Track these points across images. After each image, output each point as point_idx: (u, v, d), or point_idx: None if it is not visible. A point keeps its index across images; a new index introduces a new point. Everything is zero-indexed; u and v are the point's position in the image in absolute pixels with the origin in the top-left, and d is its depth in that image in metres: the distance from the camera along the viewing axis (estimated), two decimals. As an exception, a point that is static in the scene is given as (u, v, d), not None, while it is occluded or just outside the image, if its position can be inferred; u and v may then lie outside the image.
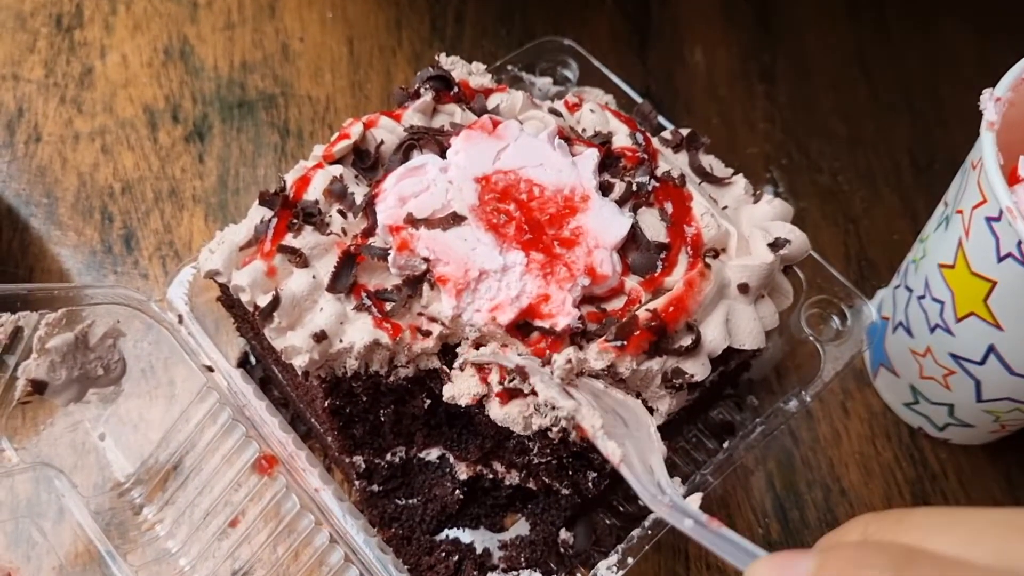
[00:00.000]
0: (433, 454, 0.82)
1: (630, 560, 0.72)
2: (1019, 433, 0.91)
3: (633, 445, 0.60)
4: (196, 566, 0.75)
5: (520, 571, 0.82)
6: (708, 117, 1.13)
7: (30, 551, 0.78)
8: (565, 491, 0.80)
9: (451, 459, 0.81)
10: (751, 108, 1.15)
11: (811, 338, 0.84)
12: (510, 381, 0.66)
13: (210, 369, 0.78)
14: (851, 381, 0.97)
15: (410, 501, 0.84)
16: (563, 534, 0.83)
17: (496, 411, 0.67)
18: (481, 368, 0.67)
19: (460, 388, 0.67)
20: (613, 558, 0.73)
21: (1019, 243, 0.68)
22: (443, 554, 0.82)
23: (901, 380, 0.91)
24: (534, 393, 0.65)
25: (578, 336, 0.67)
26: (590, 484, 0.79)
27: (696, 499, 0.55)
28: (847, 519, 0.47)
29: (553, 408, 0.64)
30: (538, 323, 0.67)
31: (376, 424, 0.76)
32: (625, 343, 0.65)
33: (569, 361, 0.65)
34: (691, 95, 1.15)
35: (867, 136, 1.14)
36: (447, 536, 0.85)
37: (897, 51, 1.21)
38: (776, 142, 1.12)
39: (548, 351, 0.67)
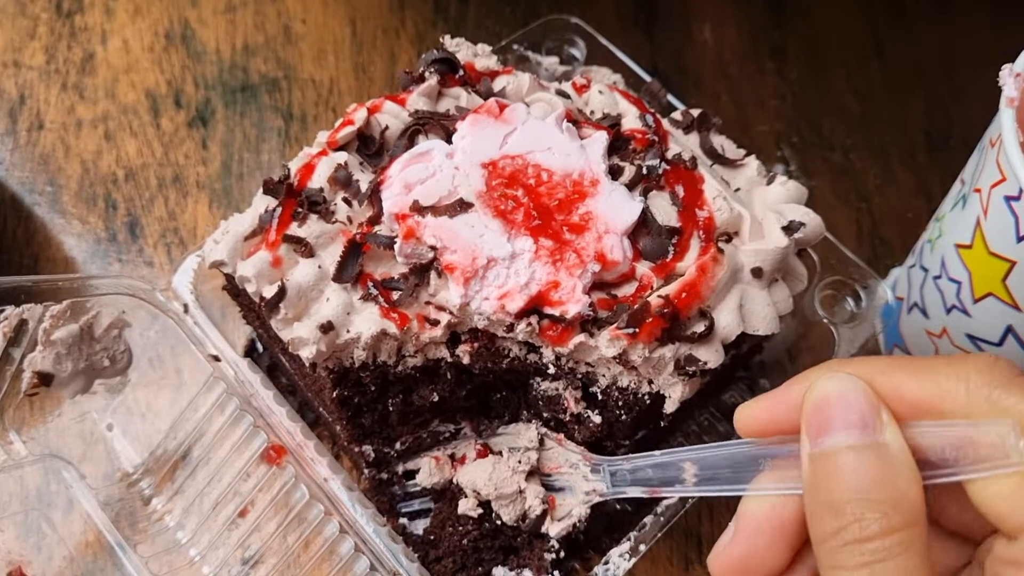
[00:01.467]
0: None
1: (642, 547, 0.72)
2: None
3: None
4: (206, 556, 0.75)
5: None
6: (717, 95, 1.11)
7: (40, 542, 0.78)
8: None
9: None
10: (761, 86, 1.13)
11: (824, 320, 0.83)
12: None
13: (216, 359, 0.77)
14: (864, 363, 0.96)
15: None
16: (575, 520, 0.83)
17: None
18: None
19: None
20: (626, 545, 0.72)
21: None
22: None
23: (916, 362, 0.90)
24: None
25: (589, 323, 0.67)
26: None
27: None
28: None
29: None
30: (548, 311, 0.66)
31: (385, 413, 0.76)
32: (637, 330, 0.64)
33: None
34: (700, 73, 1.13)
35: (880, 113, 1.12)
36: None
37: (911, 26, 1.19)
38: (787, 120, 1.11)
39: (559, 339, 0.66)
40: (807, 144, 1.09)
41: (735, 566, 0.54)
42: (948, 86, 1.14)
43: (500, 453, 0.74)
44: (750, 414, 0.55)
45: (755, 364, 0.93)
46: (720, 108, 1.10)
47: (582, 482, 0.72)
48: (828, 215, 1.03)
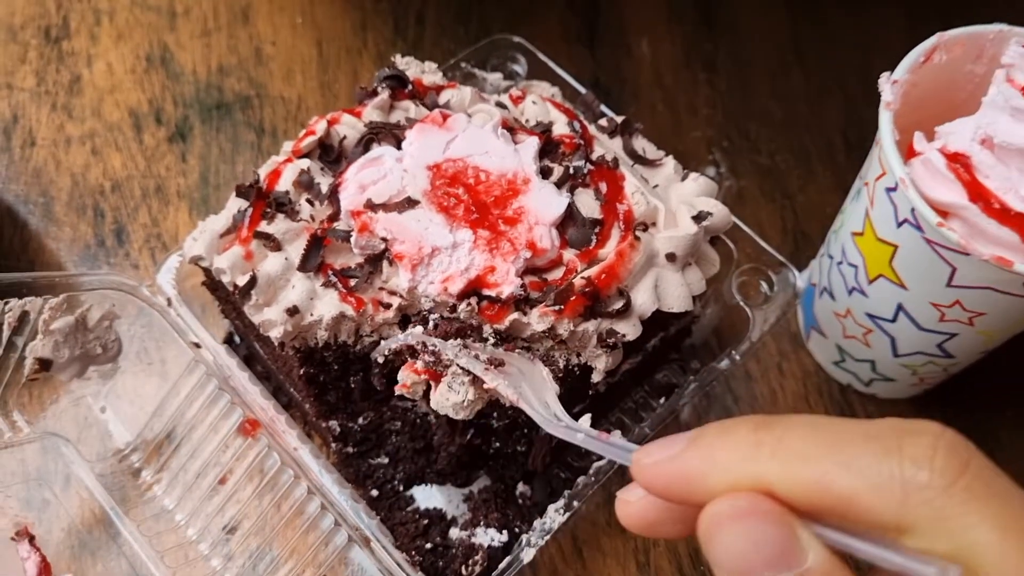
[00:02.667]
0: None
1: (576, 503, 0.81)
2: (942, 387, 1.00)
3: (529, 387, 0.71)
4: (191, 520, 0.84)
5: (478, 528, 0.90)
6: (653, 104, 1.21)
7: (41, 515, 0.87)
8: (521, 448, 0.89)
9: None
10: (694, 95, 1.23)
11: (742, 304, 0.93)
12: (428, 363, 0.74)
13: (197, 346, 0.86)
14: (787, 344, 1.06)
15: (382, 461, 0.92)
16: (521, 488, 0.92)
17: (433, 399, 0.74)
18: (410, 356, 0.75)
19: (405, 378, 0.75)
20: (560, 502, 0.81)
21: (912, 210, 0.76)
22: (414, 514, 0.91)
23: (829, 340, 1.00)
24: (445, 365, 0.73)
25: (522, 303, 0.76)
26: (543, 441, 0.88)
27: (586, 419, 0.64)
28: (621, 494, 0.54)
29: (462, 381, 0.72)
30: (486, 292, 0.75)
31: (348, 390, 0.85)
32: (563, 307, 0.74)
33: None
34: (638, 84, 1.23)
35: (803, 118, 1.22)
36: (417, 494, 0.93)
37: (831, 38, 1.29)
38: (717, 126, 1.21)
39: (496, 317, 0.76)
40: (736, 148, 1.19)
41: (643, 522, 0.52)
42: (864, 91, 1.23)
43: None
44: (629, 512, 0.51)
45: (687, 347, 1.03)
46: (656, 116, 1.20)
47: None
48: (755, 211, 1.14)
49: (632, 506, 0.52)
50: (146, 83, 1.19)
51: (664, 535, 0.52)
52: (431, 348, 0.74)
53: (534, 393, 0.71)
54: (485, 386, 0.72)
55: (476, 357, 0.73)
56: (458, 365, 0.73)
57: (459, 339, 0.74)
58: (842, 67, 1.26)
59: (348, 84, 1.19)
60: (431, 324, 0.75)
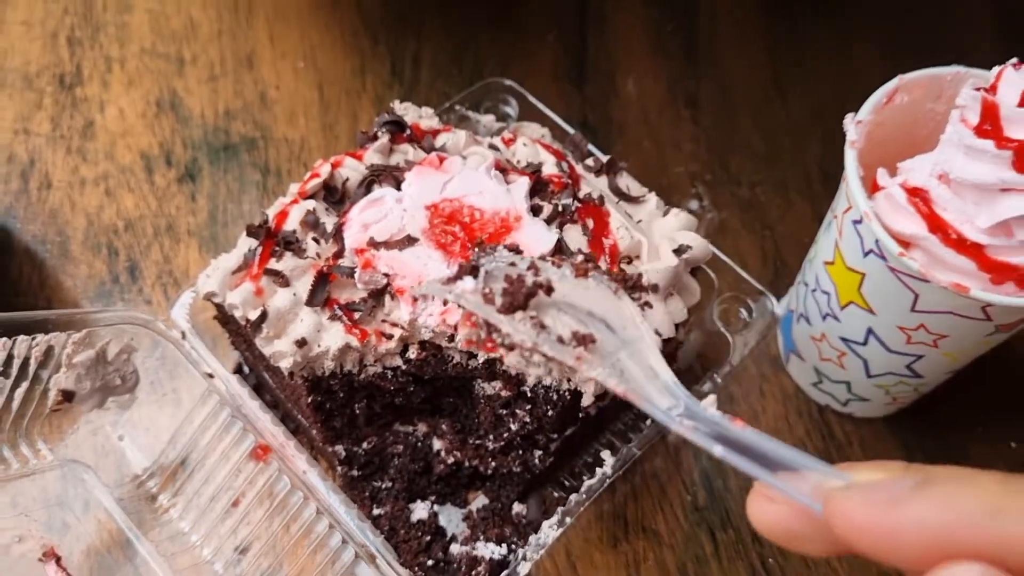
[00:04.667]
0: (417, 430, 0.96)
1: (568, 520, 0.86)
2: (915, 405, 1.05)
3: (629, 353, 0.57)
4: (205, 541, 0.89)
5: (477, 543, 0.95)
6: (639, 141, 1.27)
7: (63, 537, 0.91)
8: (516, 469, 0.94)
9: (422, 443, 0.95)
10: (678, 131, 1.29)
11: (723, 330, 0.98)
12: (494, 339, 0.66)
13: (210, 376, 0.91)
14: (767, 367, 1.11)
15: (385, 484, 0.97)
16: (517, 507, 0.97)
17: (508, 361, 0.68)
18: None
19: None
20: (554, 518, 0.86)
21: (877, 241, 0.81)
22: (417, 532, 0.96)
23: (806, 363, 1.05)
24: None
25: (515, 333, 0.81)
26: (536, 461, 0.93)
27: (711, 400, 0.53)
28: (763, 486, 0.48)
29: (541, 362, 0.65)
30: (481, 323, 0.81)
31: (352, 416, 0.90)
32: (552, 336, 0.79)
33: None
34: (624, 122, 1.29)
35: (782, 152, 1.28)
36: (419, 513, 0.98)
37: (810, 74, 1.35)
38: (701, 161, 1.26)
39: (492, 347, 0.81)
40: (718, 181, 1.25)
41: (781, 530, 0.47)
42: (841, 126, 1.29)
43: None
44: (766, 514, 0.46)
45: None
46: (642, 153, 1.26)
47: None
48: (737, 242, 1.20)
49: (773, 509, 0.46)
50: (156, 127, 1.24)
51: (798, 548, 0.46)
52: (495, 328, 0.62)
53: (637, 363, 0.57)
54: (581, 376, 0.60)
55: (559, 340, 0.58)
56: (540, 353, 0.59)
57: (524, 311, 0.60)
58: (819, 101, 1.32)
59: (348, 125, 1.25)
60: (481, 285, 0.63)
